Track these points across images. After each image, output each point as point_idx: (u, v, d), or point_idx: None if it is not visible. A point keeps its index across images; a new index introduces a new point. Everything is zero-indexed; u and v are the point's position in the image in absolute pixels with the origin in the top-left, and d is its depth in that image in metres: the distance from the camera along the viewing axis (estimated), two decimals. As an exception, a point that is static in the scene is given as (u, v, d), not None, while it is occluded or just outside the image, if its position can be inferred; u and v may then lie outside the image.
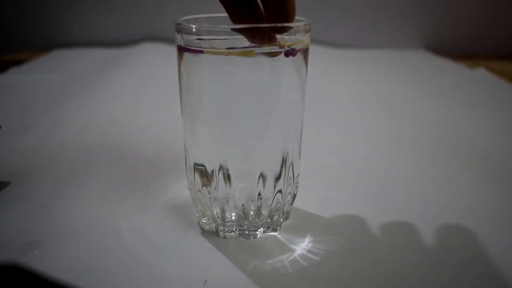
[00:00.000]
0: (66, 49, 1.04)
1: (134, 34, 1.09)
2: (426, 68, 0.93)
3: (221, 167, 0.30)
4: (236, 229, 0.32)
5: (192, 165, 0.32)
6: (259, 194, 0.31)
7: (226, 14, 0.31)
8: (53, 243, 0.31)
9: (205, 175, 0.31)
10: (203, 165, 0.31)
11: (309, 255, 0.31)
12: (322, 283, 0.28)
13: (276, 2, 0.28)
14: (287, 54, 0.28)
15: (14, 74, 0.82)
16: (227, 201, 0.31)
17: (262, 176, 0.30)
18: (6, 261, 0.17)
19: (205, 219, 0.33)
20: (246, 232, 0.32)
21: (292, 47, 0.28)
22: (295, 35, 0.29)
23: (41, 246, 0.31)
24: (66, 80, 0.78)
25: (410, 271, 0.29)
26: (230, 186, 0.30)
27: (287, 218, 0.34)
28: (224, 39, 0.28)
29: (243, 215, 0.31)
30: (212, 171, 0.30)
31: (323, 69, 0.83)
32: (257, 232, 0.32)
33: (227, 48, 0.28)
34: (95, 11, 1.08)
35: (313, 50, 0.37)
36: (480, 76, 0.85)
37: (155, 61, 0.92)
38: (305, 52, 0.30)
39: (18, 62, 0.90)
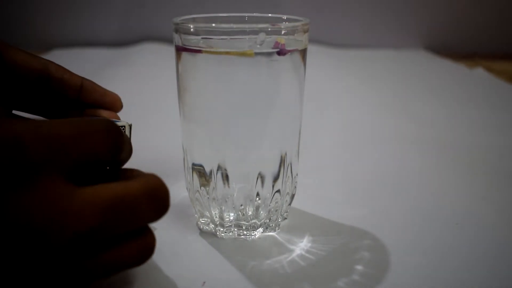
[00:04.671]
0: (66, 49, 1.04)
1: (134, 34, 1.09)
2: (426, 68, 0.93)
3: (219, 167, 0.30)
4: (234, 230, 0.32)
5: (190, 165, 0.32)
6: (258, 194, 0.31)
7: (225, 14, 0.31)
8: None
9: (204, 175, 0.31)
10: (201, 165, 0.31)
11: (307, 255, 0.30)
12: (321, 283, 0.28)
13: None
14: (279, 53, 0.28)
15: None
16: (226, 201, 0.31)
17: (261, 176, 0.30)
18: None
19: (203, 219, 0.33)
20: (245, 232, 0.32)
21: (285, 47, 0.28)
22: (293, 35, 0.29)
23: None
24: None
25: (410, 271, 0.29)
26: (229, 186, 0.30)
27: (286, 218, 0.34)
28: (222, 39, 0.28)
29: (242, 215, 0.31)
30: (211, 171, 0.30)
31: (322, 69, 0.83)
32: (256, 232, 0.32)
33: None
34: (95, 11, 1.08)
35: (312, 50, 0.37)
36: (479, 76, 0.84)
37: (155, 61, 0.92)
38: (303, 52, 0.30)
39: (18, 62, 0.90)
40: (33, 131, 0.19)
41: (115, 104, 0.35)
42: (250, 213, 0.31)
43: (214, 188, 0.31)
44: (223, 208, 0.31)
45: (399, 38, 1.11)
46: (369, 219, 0.35)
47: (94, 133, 0.21)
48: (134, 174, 0.24)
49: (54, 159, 0.19)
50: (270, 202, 0.31)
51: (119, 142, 0.23)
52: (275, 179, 0.31)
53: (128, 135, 0.34)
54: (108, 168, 0.24)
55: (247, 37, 0.27)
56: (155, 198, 0.22)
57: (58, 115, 0.34)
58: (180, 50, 0.29)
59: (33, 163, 0.19)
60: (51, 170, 0.19)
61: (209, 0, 0.94)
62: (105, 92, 0.35)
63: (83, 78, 0.34)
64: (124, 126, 0.33)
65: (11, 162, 0.18)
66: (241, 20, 0.32)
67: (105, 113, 0.35)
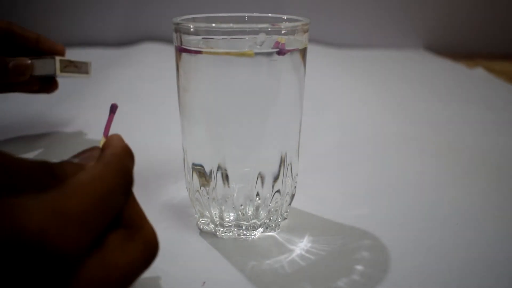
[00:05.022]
0: (66, 49, 1.04)
1: (134, 34, 1.09)
2: (425, 68, 0.93)
3: (219, 167, 0.30)
4: (234, 230, 0.32)
5: (190, 165, 0.32)
6: (258, 194, 0.31)
7: (225, 14, 0.31)
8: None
9: (204, 175, 0.31)
10: (201, 165, 0.31)
11: (307, 255, 0.30)
12: (321, 283, 0.28)
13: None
14: (279, 53, 0.28)
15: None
16: (226, 201, 0.31)
17: (261, 176, 0.30)
18: None
19: (203, 219, 0.33)
20: (245, 232, 0.32)
21: (284, 47, 0.28)
22: (293, 35, 0.29)
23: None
24: (66, 80, 0.78)
25: (410, 271, 0.29)
26: (229, 186, 0.30)
27: (286, 218, 0.34)
28: (222, 39, 0.28)
29: (242, 215, 0.31)
30: (211, 171, 0.30)
31: (322, 69, 0.83)
32: (256, 232, 0.32)
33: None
34: (95, 11, 1.08)
35: (312, 50, 0.37)
36: (478, 76, 0.85)
37: (155, 61, 0.92)
38: (303, 52, 0.30)
39: (18, 62, 0.90)
40: (57, 221, 0.17)
41: (63, 51, 0.49)
42: (250, 213, 0.31)
43: (214, 188, 0.31)
44: (223, 208, 0.31)
45: (399, 38, 1.11)
46: (369, 219, 0.35)
47: (114, 194, 0.20)
48: (136, 223, 0.22)
49: (84, 247, 0.18)
50: (270, 202, 0.31)
51: (130, 188, 0.23)
52: (275, 179, 0.31)
53: (89, 72, 0.51)
54: None
55: (247, 37, 0.27)
56: (150, 263, 0.22)
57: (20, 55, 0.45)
58: (180, 50, 0.30)
59: (66, 260, 0.17)
60: (81, 258, 0.18)
61: (209, 0, 0.94)
62: (55, 43, 0.49)
63: (38, 33, 0.47)
64: (87, 63, 0.50)
65: (45, 264, 0.16)
66: (241, 20, 0.32)
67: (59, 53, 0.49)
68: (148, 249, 0.21)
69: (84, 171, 0.20)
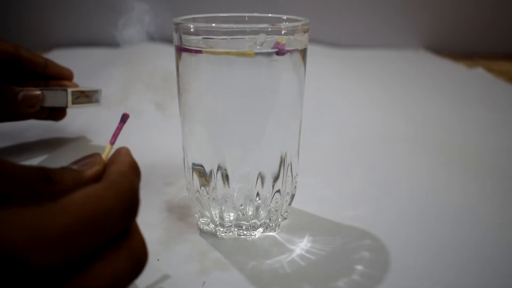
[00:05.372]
0: (66, 49, 1.04)
1: (132, 34, 1.09)
2: (425, 68, 0.93)
3: (219, 167, 0.30)
4: (234, 230, 0.32)
5: (190, 165, 0.32)
6: (258, 194, 0.31)
7: (225, 14, 0.31)
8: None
9: (204, 175, 0.31)
10: (201, 165, 0.31)
11: (307, 255, 0.30)
12: (321, 283, 0.28)
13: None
14: (278, 53, 0.28)
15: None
16: (226, 201, 0.31)
17: (261, 176, 0.30)
18: None
19: (203, 219, 0.33)
20: (245, 232, 0.32)
21: (284, 47, 0.28)
22: (293, 35, 0.29)
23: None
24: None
25: (410, 271, 0.29)
26: (229, 186, 0.30)
27: (286, 218, 0.34)
28: (222, 39, 0.28)
29: (242, 215, 0.31)
30: (211, 171, 0.30)
31: (322, 69, 0.83)
32: (256, 232, 0.32)
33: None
34: (95, 11, 1.08)
35: (312, 50, 0.37)
36: (479, 76, 0.84)
37: (155, 61, 0.92)
38: (303, 52, 0.30)
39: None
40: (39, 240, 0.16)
41: (71, 76, 0.48)
42: (250, 213, 0.31)
43: (214, 188, 0.31)
44: (223, 208, 0.31)
45: (399, 38, 1.11)
46: (369, 219, 0.35)
47: (114, 216, 0.19)
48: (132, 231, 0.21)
49: (60, 266, 0.17)
50: (270, 202, 0.31)
51: (135, 209, 0.21)
52: (275, 179, 0.31)
53: (100, 100, 0.49)
54: None
55: (247, 37, 0.27)
56: (138, 273, 0.20)
57: (26, 85, 0.44)
58: (180, 50, 0.30)
59: (38, 277, 0.16)
60: (60, 277, 0.17)
61: (209, 0, 0.94)
62: (63, 67, 0.48)
63: (46, 58, 0.47)
64: (98, 91, 0.48)
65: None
66: (241, 20, 0.32)
67: (68, 83, 0.47)
68: (135, 259, 0.20)
69: (85, 188, 0.19)
